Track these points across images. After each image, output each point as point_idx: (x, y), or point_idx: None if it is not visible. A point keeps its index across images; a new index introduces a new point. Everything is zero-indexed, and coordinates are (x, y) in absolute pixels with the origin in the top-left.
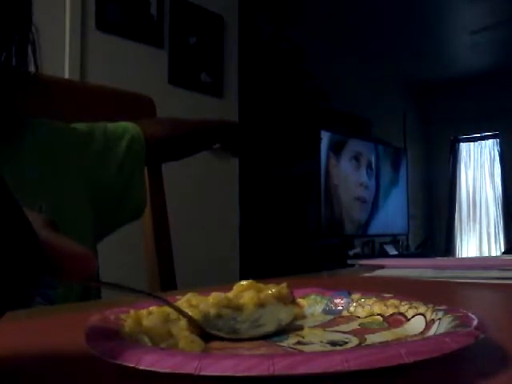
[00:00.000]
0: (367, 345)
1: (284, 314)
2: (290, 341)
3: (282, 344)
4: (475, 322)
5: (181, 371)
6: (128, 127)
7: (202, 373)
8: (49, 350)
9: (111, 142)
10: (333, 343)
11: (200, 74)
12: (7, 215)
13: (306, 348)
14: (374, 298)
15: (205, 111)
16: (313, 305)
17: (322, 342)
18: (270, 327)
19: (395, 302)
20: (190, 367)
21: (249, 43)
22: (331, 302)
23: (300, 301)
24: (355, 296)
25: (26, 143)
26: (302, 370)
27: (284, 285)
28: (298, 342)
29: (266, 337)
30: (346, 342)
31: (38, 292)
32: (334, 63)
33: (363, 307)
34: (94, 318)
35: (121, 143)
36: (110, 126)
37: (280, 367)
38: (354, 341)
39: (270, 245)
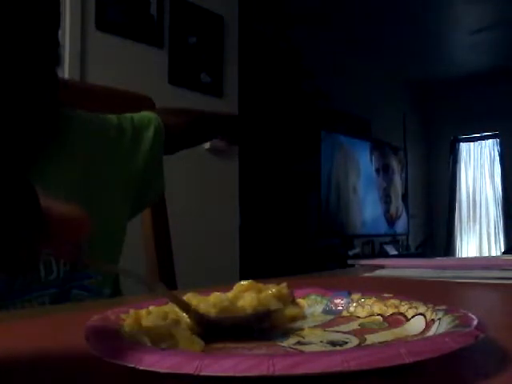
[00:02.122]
0: (367, 345)
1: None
2: (290, 341)
3: (282, 344)
4: (475, 322)
5: (181, 371)
6: (151, 118)
7: (202, 373)
8: (49, 350)
9: (139, 134)
10: (333, 343)
11: (200, 74)
12: (16, 181)
13: (305, 348)
14: (374, 298)
15: None
16: (313, 305)
17: (322, 342)
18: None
19: (395, 302)
20: (190, 367)
21: (249, 43)
22: (331, 302)
23: (300, 301)
24: (355, 296)
25: (67, 138)
26: (302, 370)
27: (284, 285)
28: (298, 342)
29: (266, 337)
30: (346, 342)
31: (75, 284)
32: (333, 63)
33: (363, 307)
34: (94, 318)
35: (147, 134)
36: (136, 116)
37: (280, 367)
38: (354, 341)
39: (270, 245)
